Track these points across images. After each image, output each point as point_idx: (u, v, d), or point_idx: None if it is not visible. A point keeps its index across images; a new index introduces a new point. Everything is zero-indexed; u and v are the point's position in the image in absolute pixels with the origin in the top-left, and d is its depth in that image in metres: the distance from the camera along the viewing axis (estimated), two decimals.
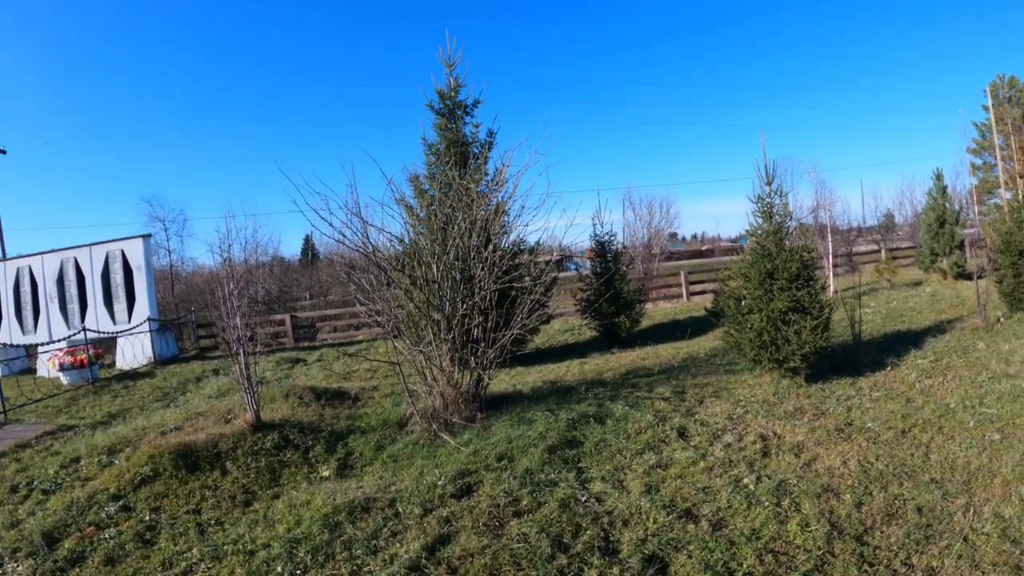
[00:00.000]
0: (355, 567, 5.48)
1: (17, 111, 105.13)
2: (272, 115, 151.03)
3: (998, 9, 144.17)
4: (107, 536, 6.75)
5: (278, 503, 7.25)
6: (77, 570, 6.09)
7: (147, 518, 7.17)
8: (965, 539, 5.41)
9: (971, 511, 5.92)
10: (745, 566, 5.10)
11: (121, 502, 7.58)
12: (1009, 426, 8.15)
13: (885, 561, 5.15)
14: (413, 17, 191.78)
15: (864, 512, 6.00)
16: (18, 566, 6.25)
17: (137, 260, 22.96)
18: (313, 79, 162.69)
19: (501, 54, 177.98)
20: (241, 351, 9.42)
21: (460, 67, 16.01)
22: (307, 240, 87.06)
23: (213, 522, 7.00)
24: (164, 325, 24.40)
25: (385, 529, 6.17)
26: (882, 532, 5.62)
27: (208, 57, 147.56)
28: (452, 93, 15.74)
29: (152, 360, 22.41)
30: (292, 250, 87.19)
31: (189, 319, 27.20)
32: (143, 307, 23.00)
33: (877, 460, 7.25)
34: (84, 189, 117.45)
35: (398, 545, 5.80)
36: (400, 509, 6.60)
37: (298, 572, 5.49)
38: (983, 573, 4.92)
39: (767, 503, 6.22)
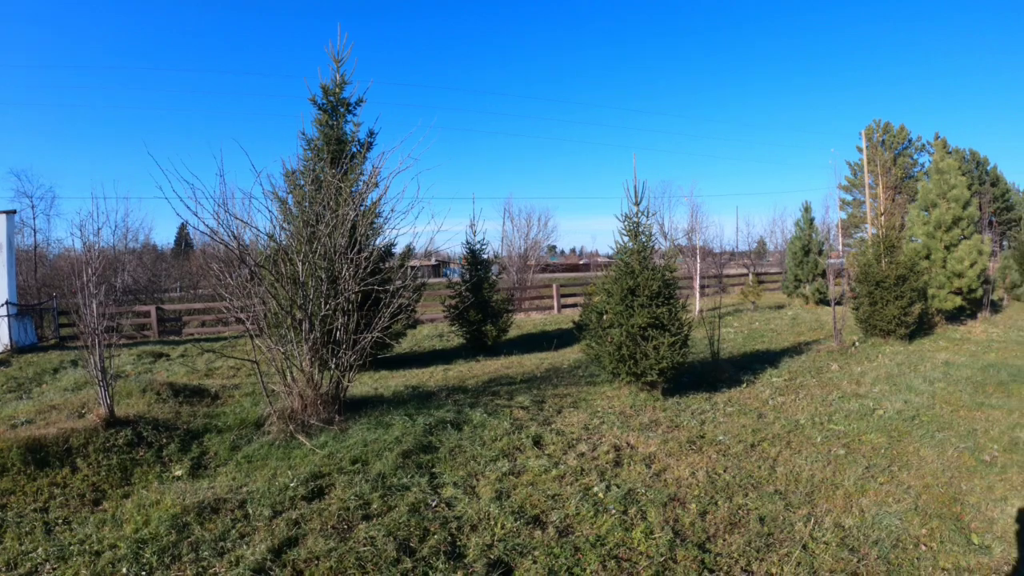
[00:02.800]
0: (200, 568, 5.37)
1: None
2: (152, 96, 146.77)
3: (870, 60, 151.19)
4: None
5: (127, 502, 7.02)
6: None
7: None
8: (805, 547, 5.68)
9: (812, 521, 6.23)
10: (588, 571, 5.21)
11: None
12: (855, 442, 8.60)
13: (726, 567, 5.35)
14: (306, 13, 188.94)
15: (708, 521, 6.21)
16: None
17: None
18: (200, 67, 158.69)
19: (390, 57, 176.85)
20: (97, 342, 9.13)
21: (348, 63, 15.80)
22: (182, 228, 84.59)
23: (61, 521, 6.71)
24: (24, 310, 23.00)
25: (233, 531, 6.07)
26: (724, 540, 5.84)
27: (86, 32, 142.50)
28: (337, 89, 15.51)
29: (8, 348, 21.06)
30: (166, 238, 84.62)
31: (51, 305, 25.80)
32: (1, 289, 21.62)
33: (725, 472, 7.51)
34: None
35: (245, 547, 5.70)
36: (250, 511, 6.50)
37: (143, 573, 5.35)
38: None
39: (614, 511, 6.36)
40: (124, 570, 5.39)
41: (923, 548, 5.72)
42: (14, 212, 23.13)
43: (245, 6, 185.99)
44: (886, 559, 5.50)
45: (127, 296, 34.28)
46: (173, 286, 49.38)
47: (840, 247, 48.44)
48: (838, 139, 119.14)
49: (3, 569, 5.64)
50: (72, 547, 5.95)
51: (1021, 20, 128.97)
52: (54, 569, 5.56)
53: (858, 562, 5.44)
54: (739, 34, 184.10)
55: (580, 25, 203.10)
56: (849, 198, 72.03)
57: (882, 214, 22.99)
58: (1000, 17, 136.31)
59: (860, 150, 59.69)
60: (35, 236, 46.27)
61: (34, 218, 46.47)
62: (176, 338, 25.34)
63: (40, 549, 5.95)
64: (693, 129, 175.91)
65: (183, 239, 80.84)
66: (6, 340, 21.24)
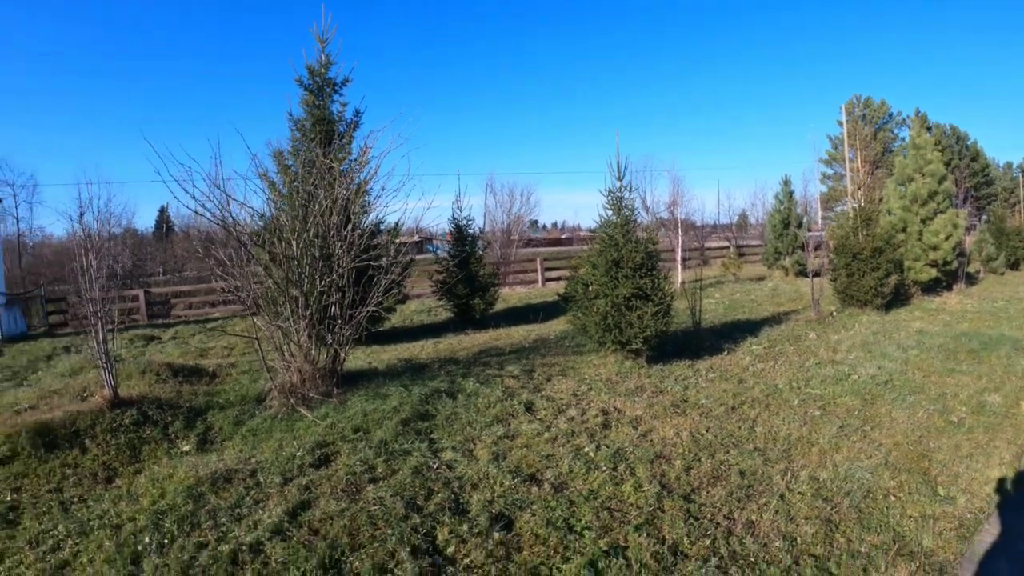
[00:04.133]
0: (220, 533, 5.66)
1: None
2: (129, 79, 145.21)
3: (852, 34, 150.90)
4: None
5: (140, 478, 7.27)
6: None
7: (8, 499, 6.98)
8: (782, 497, 6.11)
9: (789, 475, 6.66)
10: (584, 521, 5.60)
11: None
12: (830, 404, 9.01)
13: (709, 516, 5.77)
14: None
15: (692, 475, 6.62)
16: None
17: None
18: (177, 47, 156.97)
19: (371, 36, 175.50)
20: (100, 325, 9.38)
21: (333, 43, 15.84)
22: (162, 212, 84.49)
23: (76, 499, 6.94)
24: (12, 300, 23.12)
25: (248, 498, 6.37)
26: (708, 492, 6.26)
27: (65, 16, 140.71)
28: (323, 70, 15.57)
29: None
30: (146, 222, 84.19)
31: (38, 294, 25.92)
32: None
33: (707, 432, 7.91)
34: None
35: (261, 512, 6.01)
36: (261, 479, 6.80)
37: (165, 541, 5.61)
38: (797, 525, 5.61)
39: (605, 468, 6.74)
40: (146, 539, 5.64)
41: (892, 499, 6.14)
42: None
43: None
44: (857, 507, 5.92)
45: (116, 280, 34.31)
46: (157, 270, 49.34)
47: (820, 220, 48.69)
48: (820, 113, 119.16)
49: (26, 547, 5.84)
50: (92, 522, 6.18)
51: None
52: (77, 544, 5.79)
53: (831, 510, 5.86)
54: (721, 7, 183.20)
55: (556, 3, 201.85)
56: (830, 172, 72.00)
57: (860, 187, 23.32)
58: None
59: (840, 124, 59.82)
60: (18, 224, 46.19)
61: (16, 207, 46.47)
62: (165, 321, 25.41)
63: (60, 526, 6.16)
64: (674, 103, 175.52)
65: (164, 223, 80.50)
66: None
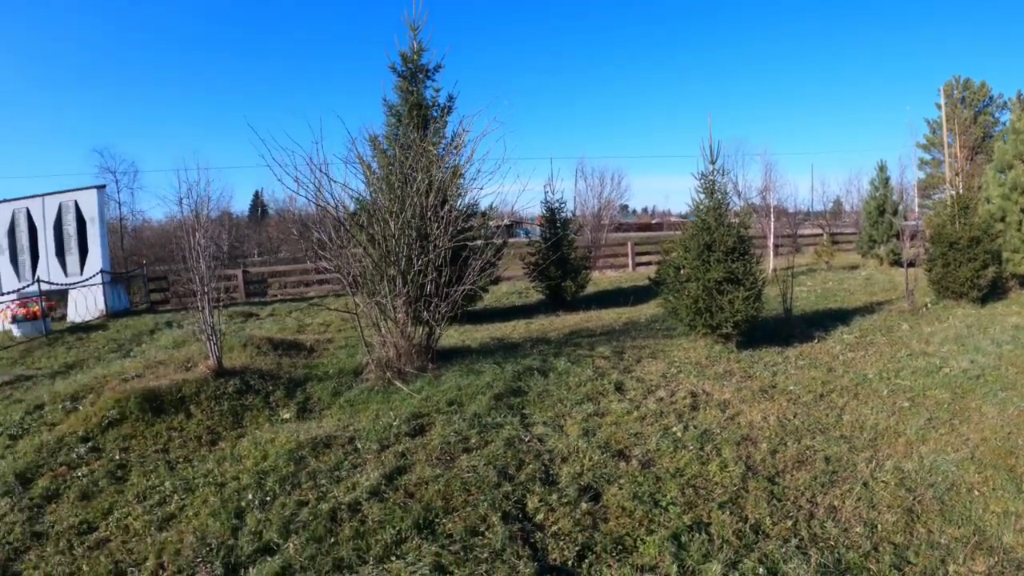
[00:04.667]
0: (320, 493, 5.98)
1: None
2: (222, 67, 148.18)
3: (950, 12, 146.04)
4: (79, 475, 7.02)
5: (243, 441, 7.67)
6: (54, 506, 6.38)
7: (117, 457, 7.46)
8: (865, 485, 6.12)
9: (874, 463, 6.64)
10: (669, 497, 5.73)
11: (90, 444, 7.84)
12: (919, 396, 8.88)
13: (792, 498, 5.84)
14: None
15: (778, 459, 6.68)
16: None
17: (91, 212, 22.57)
18: (264, 32, 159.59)
19: (461, 20, 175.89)
20: (207, 298, 9.78)
21: (424, 31, 16.13)
22: (256, 196, 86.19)
23: (182, 460, 7.37)
24: (116, 278, 23.97)
25: (346, 462, 6.69)
26: (792, 475, 6.32)
27: (160, 7, 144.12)
28: (415, 56, 15.86)
29: (104, 313, 21.99)
30: (241, 206, 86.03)
31: (140, 272, 26.97)
32: (96, 259, 22.52)
33: (794, 418, 7.94)
34: (33, 137, 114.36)
35: (359, 475, 6.32)
36: (359, 445, 7.12)
37: (267, 499, 5.96)
38: (879, 513, 5.62)
39: (692, 448, 6.87)
40: (250, 496, 6.00)
41: (976, 493, 6.09)
42: (103, 187, 24.09)
43: None
44: (940, 499, 5.90)
45: (217, 260, 35.30)
46: (252, 251, 50.57)
47: (916, 208, 47.44)
48: (917, 95, 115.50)
49: (134, 501, 6.27)
50: (196, 480, 6.60)
51: None
52: (183, 499, 6.20)
53: (914, 500, 5.86)
54: None
55: None
56: (928, 157, 69.37)
57: (958, 174, 22.74)
58: None
59: (939, 107, 57.62)
60: (120, 209, 47.65)
61: (118, 192, 47.86)
62: (261, 299, 26.07)
63: (167, 483, 6.60)
64: (767, 86, 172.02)
65: (258, 206, 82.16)
66: (102, 306, 22.14)
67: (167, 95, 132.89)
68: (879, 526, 5.43)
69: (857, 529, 5.36)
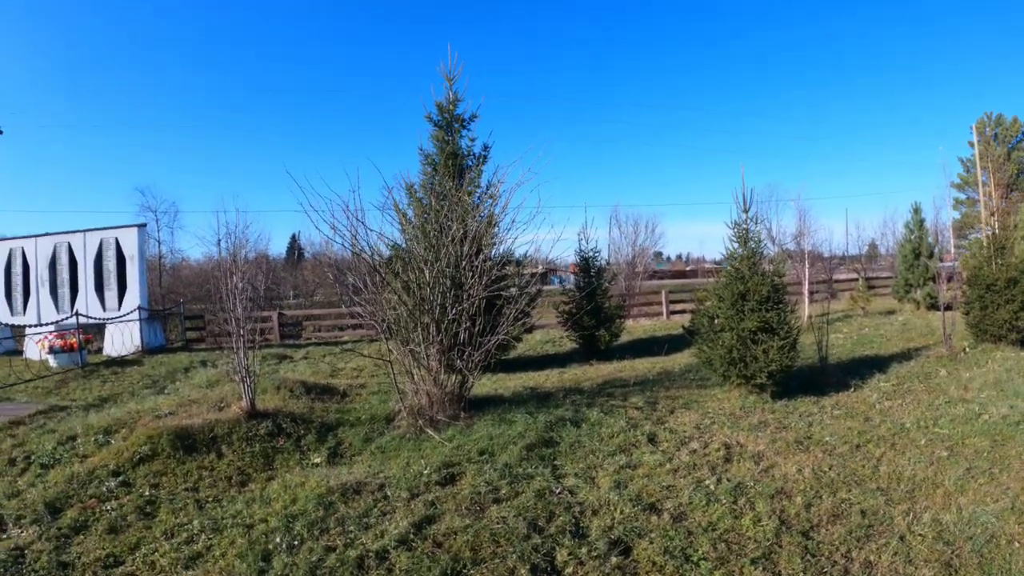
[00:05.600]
0: (348, 539, 5.98)
1: (15, 91, 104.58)
2: (263, 113, 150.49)
3: (979, 48, 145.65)
4: (108, 508, 7.12)
5: (273, 484, 7.71)
6: (81, 537, 6.47)
7: (147, 493, 7.56)
8: (902, 539, 6.02)
9: (911, 516, 6.52)
10: (700, 552, 5.67)
11: (121, 478, 7.95)
12: (958, 445, 8.75)
13: (827, 553, 5.75)
14: (403, 19, 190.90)
15: (812, 512, 6.58)
16: (23, 532, 6.61)
17: (131, 249, 23.04)
18: (304, 81, 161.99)
19: (492, 67, 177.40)
20: (242, 340, 9.85)
21: (460, 81, 16.32)
22: (293, 239, 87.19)
23: (211, 499, 7.44)
24: (153, 315, 24.43)
25: (375, 509, 6.68)
26: (827, 530, 6.22)
27: (207, 53, 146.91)
28: (451, 106, 16.06)
29: (140, 348, 22.48)
30: (278, 248, 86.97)
31: (178, 310, 27.39)
32: (134, 296, 23.11)
33: (830, 469, 7.82)
34: (77, 174, 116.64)
35: (388, 523, 6.30)
36: (389, 493, 7.11)
37: (295, 543, 5.97)
38: (915, 568, 5.52)
39: (725, 501, 6.79)
40: (277, 539, 6.03)
41: (1016, 545, 5.97)
42: (144, 225, 24.55)
43: (357, 26, 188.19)
44: (979, 552, 5.79)
45: (253, 301, 35.62)
46: (288, 293, 50.97)
47: (953, 249, 47.05)
48: (948, 135, 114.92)
49: (161, 538, 6.34)
50: (225, 520, 6.65)
51: None
52: (210, 539, 6.24)
53: (952, 554, 5.76)
54: (844, 29, 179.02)
55: (682, 31, 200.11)
56: (962, 196, 68.54)
57: (993, 213, 22.52)
58: None
59: (971, 145, 57.29)
60: (159, 247, 48.37)
61: (158, 231, 48.59)
62: (296, 342, 26.31)
63: (195, 522, 6.66)
64: (799, 130, 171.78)
65: (295, 249, 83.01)
66: (138, 342, 22.65)
67: (210, 137, 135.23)
68: None
69: None
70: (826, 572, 5.44)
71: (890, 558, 5.67)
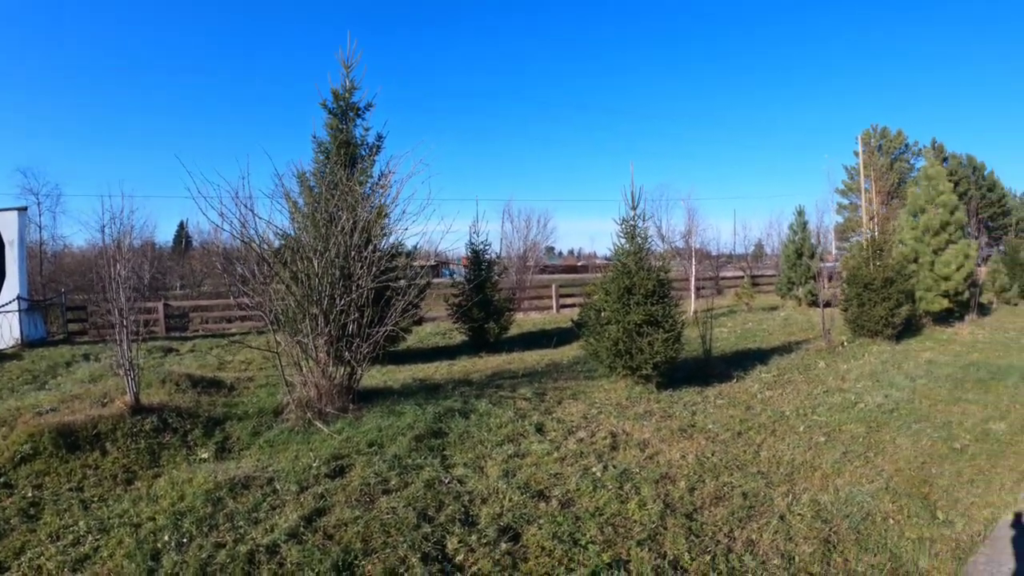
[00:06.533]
0: (238, 535, 5.89)
1: None
2: (155, 96, 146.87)
3: (868, 64, 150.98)
4: None
5: (160, 481, 7.50)
6: None
7: (29, 494, 7.24)
8: (782, 518, 6.31)
9: (791, 497, 6.85)
10: (588, 536, 5.80)
11: (1, 479, 7.61)
12: (835, 431, 9.19)
13: (710, 533, 5.97)
14: (316, 21, 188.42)
15: (696, 496, 6.82)
16: None
17: (11, 234, 21.67)
18: (200, 67, 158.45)
19: (389, 61, 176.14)
20: (125, 333, 9.61)
21: (357, 69, 16.10)
22: (181, 227, 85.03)
23: (96, 499, 7.19)
24: (34, 305, 23.23)
25: (265, 503, 6.60)
26: (710, 511, 6.46)
27: (94, 37, 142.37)
28: (347, 94, 15.86)
29: (19, 341, 21.21)
30: (165, 236, 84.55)
31: (59, 301, 26.22)
32: (13, 285, 21.71)
33: (713, 455, 8.11)
34: None
35: (278, 517, 6.24)
36: (278, 486, 7.04)
37: (184, 540, 5.84)
38: (796, 545, 5.80)
39: (611, 487, 6.95)
40: (166, 537, 5.87)
41: (891, 521, 6.31)
42: (25, 209, 23.31)
43: (256, 12, 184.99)
44: (856, 529, 6.10)
45: (137, 292, 34.58)
46: (175, 283, 49.72)
47: (834, 250, 48.70)
48: (836, 143, 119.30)
49: (47, 540, 6.08)
50: (112, 520, 6.43)
51: (1021, 26, 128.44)
52: (97, 539, 6.03)
53: (830, 531, 6.05)
54: (736, 37, 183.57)
55: (578, 30, 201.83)
56: (846, 202, 71.38)
57: (873, 218, 23.45)
58: (1000, 22, 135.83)
59: (856, 154, 59.45)
60: (41, 233, 46.51)
61: (40, 215, 46.68)
62: (182, 334, 25.60)
63: (81, 523, 6.42)
64: (690, 132, 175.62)
65: (183, 237, 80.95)
66: (17, 334, 21.39)
67: (97, 118, 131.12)
68: (796, 557, 5.59)
69: (775, 561, 5.51)
70: (710, 551, 5.63)
71: (771, 536, 5.91)
